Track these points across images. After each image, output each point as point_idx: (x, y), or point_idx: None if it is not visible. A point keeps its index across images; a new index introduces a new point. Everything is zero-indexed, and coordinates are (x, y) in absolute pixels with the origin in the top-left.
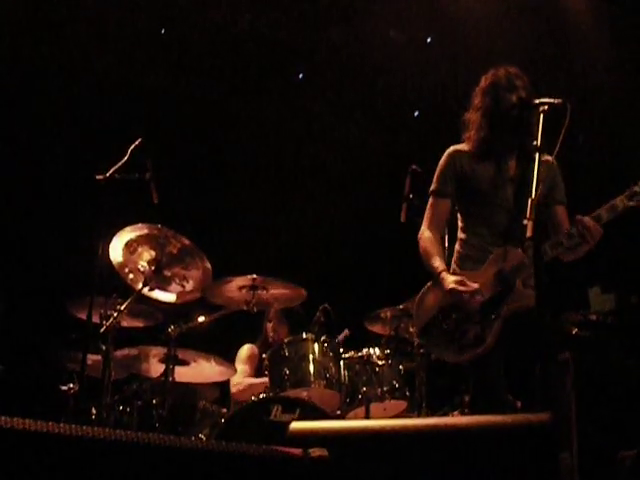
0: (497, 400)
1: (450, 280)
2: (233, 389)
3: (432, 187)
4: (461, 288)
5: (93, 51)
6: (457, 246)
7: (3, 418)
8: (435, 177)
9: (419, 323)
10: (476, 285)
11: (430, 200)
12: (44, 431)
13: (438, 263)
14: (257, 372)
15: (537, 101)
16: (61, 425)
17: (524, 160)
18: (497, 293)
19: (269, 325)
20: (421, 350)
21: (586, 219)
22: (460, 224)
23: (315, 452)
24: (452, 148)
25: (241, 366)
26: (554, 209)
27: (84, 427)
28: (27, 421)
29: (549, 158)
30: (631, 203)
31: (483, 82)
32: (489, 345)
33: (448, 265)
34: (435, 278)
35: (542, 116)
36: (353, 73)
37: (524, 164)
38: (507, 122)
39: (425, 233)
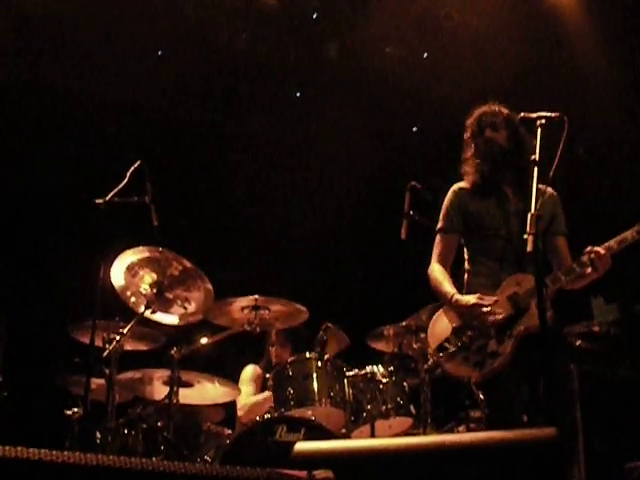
0: (512, 418)
1: (469, 297)
2: (240, 412)
3: (439, 225)
4: (482, 302)
5: (92, 74)
6: (466, 277)
7: (7, 448)
8: (441, 215)
9: (434, 343)
10: (495, 298)
11: (437, 237)
12: (48, 460)
13: (449, 288)
14: (262, 392)
15: (534, 115)
16: (65, 454)
17: (523, 189)
18: (511, 314)
19: (272, 349)
20: (425, 366)
21: (599, 248)
22: (467, 257)
23: (320, 475)
24: (456, 186)
25: (246, 387)
26: (555, 240)
27: (89, 455)
28: (31, 450)
29: (549, 189)
30: None
31: (468, 123)
32: (504, 361)
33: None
34: (448, 302)
35: (540, 130)
36: (350, 89)
37: (524, 193)
38: (499, 162)
39: (434, 266)
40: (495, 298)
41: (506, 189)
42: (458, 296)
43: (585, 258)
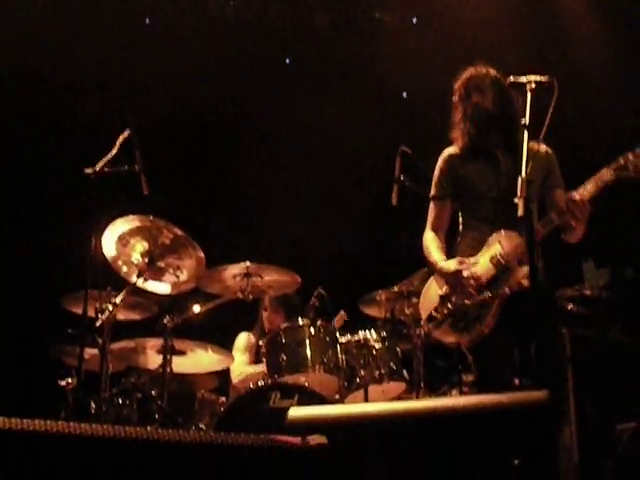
0: (501, 381)
1: (449, 264)
2: (235, 380)
3: (431, 192)
4: (461, 266)
5: (80, 43)
6: (458, 239)
7: (1, 419)
8: (433, 183)
9: (425, 312)
10: (473, 260)
11: (431, 205)
12: (43, 430)
13: (436, 256)
14: (256, 360)
15: (524, 79)
16: (60, 424)
17: (514, 151)
18: (494, 275)
19: (265, 314)
20: (417, 331)
21: (573, 194)
22: (460, 221)
23: (314, 440)
24: (446, 153)
25: (240, 355)
26: (553, 194)
27: (83, 425)
28: (25, 421)
29: (543, 147)
30: (617, 175)
31: (456, 86)
32: (488, 324)
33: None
34: (435, 270)
35: (530, 94)
36: (340, 55)
37: (514, 155)
38: (486, 125)
39: (427, 234)
40: (474, 261)
41: (496, 151)
42: (442, 263)
43: (564, 207)
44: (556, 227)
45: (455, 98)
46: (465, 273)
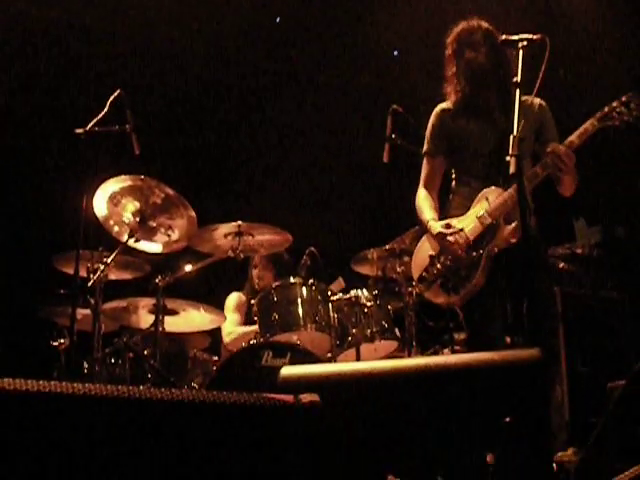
0: (491, 339)
1: (436, 225)
2: (226, 339)
3: (424, 148)
4: (446, 230)
5: (73, 4)
6: (450, 197)
7: None
8: (426, 138)
9: (416, 273)
10: (460, 225)
11: (424, 161)
12: (36, 390)
13: (427, 214)
14: (247, 319)
15: (515, 37)
16: (52, 384)
17: (506, 107)
18: (481, 233)
19: (255, 272)
20: (409, 289)
21: (555, 146)
22: (453, 177)
23: (306, 398)
24: (439, 108)
25: (231, 315)
26: (547, 147)
27: (75, 384)
28: (18, 381)
29: (536, 100)
30: (601, 124)
31: (448, 40)
32: (477, 283)
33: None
34: (426, 229)
35: (521, 52)
36: (332, 14)
37: (507, 111)
38: (479, 79)
39: (420, 192)
40: (461, 220)
41: (489, 107)
42: (432, 223)
43: (548, 160)
44: (544, 179)
45: (447, 52)
46: (450, 237)
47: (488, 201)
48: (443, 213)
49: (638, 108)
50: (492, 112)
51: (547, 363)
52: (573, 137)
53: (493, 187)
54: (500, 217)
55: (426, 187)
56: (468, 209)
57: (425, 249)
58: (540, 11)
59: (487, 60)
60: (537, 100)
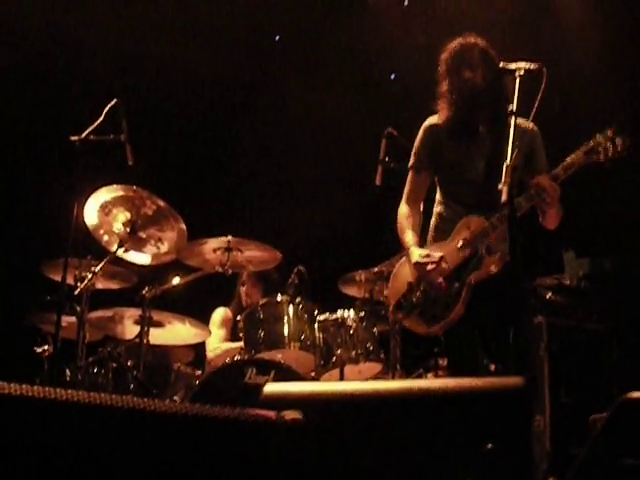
0: (472, 366)
1: (415, 254)
2: (210, 354)
3: (410, 162)
4: (424, 260)
5: (69, 8)
6: (433, 219)
7: None
8: (413, 152)
9: (394, 298)
10: (439, 254)
11: (409, 175)
12: (18, 394)
13: (409, 238)
14: (232, 335)
15: (513, 66)
16: (35, 388)
17: (498, 133)
18: (462, 262)
19: (242, 289)
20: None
21: (541, 178)
22: (438, 197)
23: (289, 415)
24: (428, 122)
25: (216, 330)
26: (534, 178)
27: (58, 390)
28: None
29: (529, 125)
30: (587, 159)
31: (445, 57)
32: (457, 313)
33: (426, 239)
34: (406, 253)
35: (518, 80)
36: (329, 36)
37: (498, 137)
38: (474, 102)
39: (402, 208)
40: (439, 255)
41: (480, 129)
42: (412, 249)
43: (532, 192)
44: (528, 211)
45: (442, 69)
46: (429, 267)
47: (470, 230)
48: (425, 234)
49: (623, 144)
50: (482, 135)
51: (530, 392)
52: (559, 169)
53: (476, 216)
54: (482, 247)
55: (409, 202)
56: (449, 235)
57: (404, 275)
58: (537, 37)
59: (483, 81)
60: (530, 125)
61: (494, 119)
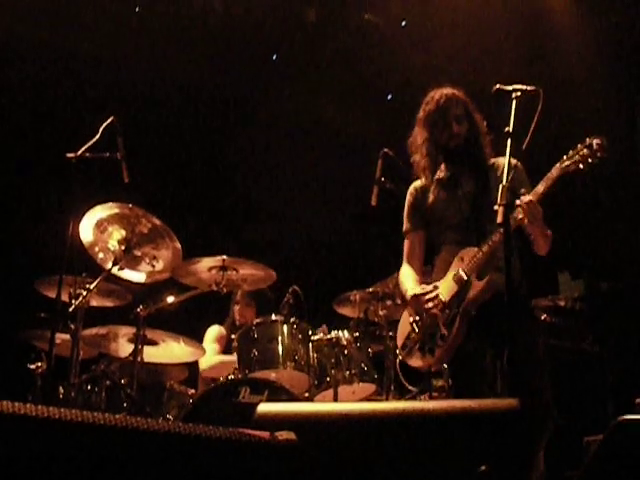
0: (477, 394)
1: (411, 291)
2: (203, 365)
3: (404, 227)
4: (419, 291)
5: (68, 28)
6: (433, 266)
7: None
8: (405, 216)
9: (400, 341)
10: (430, 286)
11: (405, 240)
12: (10, 412)
13: (409, 285)
14: (226, 353)
15: (509, 88)
16: (27, 406)
17: (477, 172)
18: (456, 293)
19: (236, 308)
20: (390, 333)
21: (522, 201)
22: (435, 249)
23: (282, 435)
24: (412, 187)
25: (210, 345)
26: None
27: (51, 408)
28: None
29: (513, 161)
30: (564, 169)
31: (422, 111)
32: (453, 342)
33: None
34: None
35: (515, 103)
36: (327, 55)
37: (480, 179)
38: (450, 153)
39: (402, 269)
40: (430, 287)
41: (459, 177)
42: (409, 290)
43: (516, 213)
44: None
45: (422, 116)
46: (424, 298)
47: (463, 261)
48: (426, 281)
49: (600, 148)
50: (461, 181)
51: (525, 414)
52: (539, 185)
53: (468, 248)
54: (474, 274)
55: (409, 262)
56: (447, 271)
57: (406, 318)
58: (532, 55)
59: (468, 134)
60: (513, 161)
61: (476, 167)
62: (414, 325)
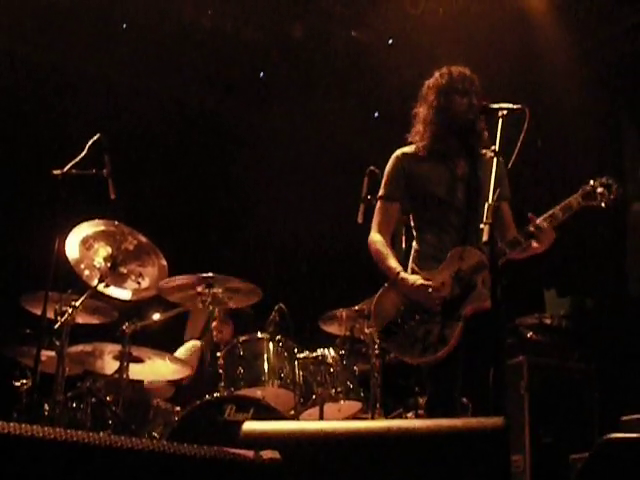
0: (452, 401)
1: (414, 278)
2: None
3: (380, 192)
4: (427, 283)
5: (55, 44)
6: (415, 245)
7: None
8: (383, 182)
9: (379, 324)
10: (441, 280)
11: (378, 204)
12: None
13: (394, 264)
14: (196, 366)
15: (496, 106)
16: (11, 425)
17: (472, 161)
18: (457, 293)
19: (214, 324)
20: (376, 351)
21: (541, 222)
22: (414, 224)
23: (267, 454)
24: (399, 151)
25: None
26: (499, 205)
27: (35, 427)
28: None
29: (492, 155)
30: (586, 203)
31: (437, 80)
32: (452, 346)
33: (405, 265)
34: (392, 279)
35: (501, 121)
36: (313, 72)
37: (472, 164)
38: (458, 125)
39: (375, 237)
40: (441, 280)
41: (454, 154)
42: (404, 274)
43: (531, 229)
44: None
45: (429, 92)
46: (431, 289)
47: (464, 261)
48: (407, 262)
49: (617, 193)
50: (456, 158)
51: (510, 432)
52: (557, 210)
53: (469, 246)
54: (479, 280)
55: (381, 232)
56: (438, 261)
57: (390, 299)
58: (520, 75)
59: (470, 109)
60: (492, 155)
61: (470, 149)
62: (405, 315)
